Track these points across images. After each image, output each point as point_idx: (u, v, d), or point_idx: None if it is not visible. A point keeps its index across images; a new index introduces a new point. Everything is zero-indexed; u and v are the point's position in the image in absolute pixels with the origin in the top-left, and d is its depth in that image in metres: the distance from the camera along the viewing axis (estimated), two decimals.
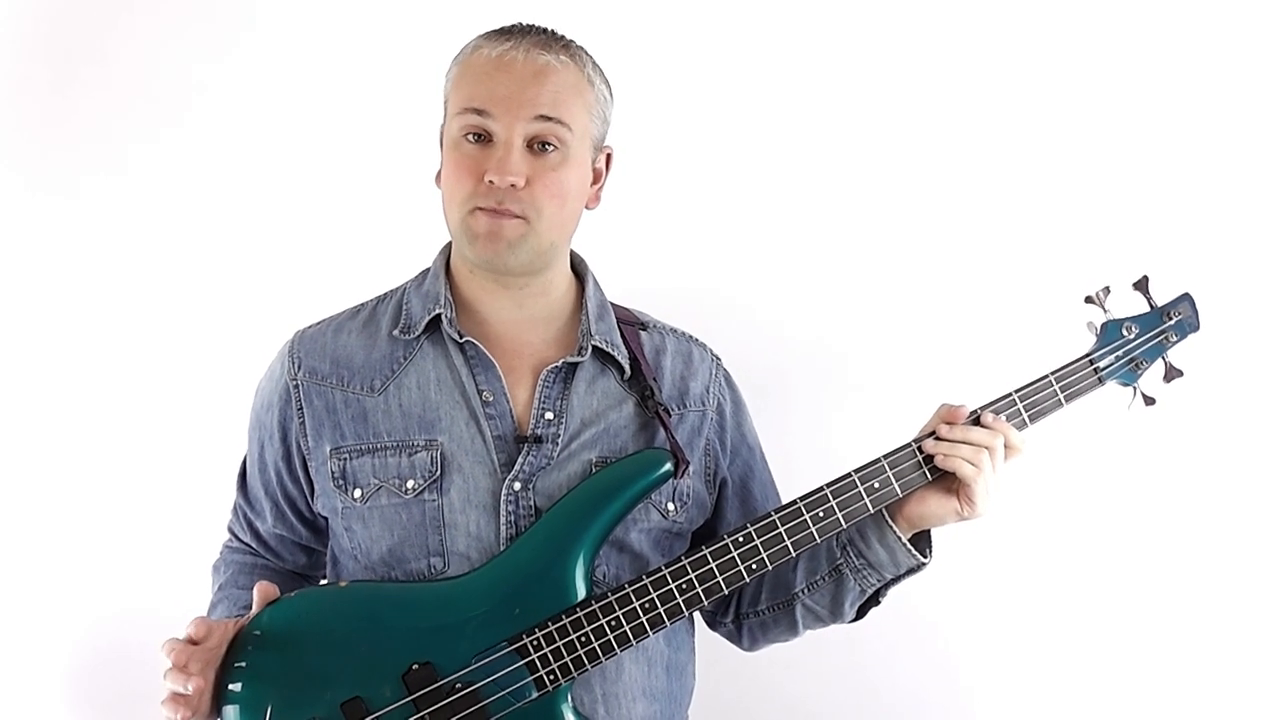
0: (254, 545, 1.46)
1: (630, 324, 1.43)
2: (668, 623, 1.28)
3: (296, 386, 1.35)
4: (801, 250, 1.85)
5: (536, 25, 1.32)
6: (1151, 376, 1.43)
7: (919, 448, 1.32)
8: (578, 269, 1.43)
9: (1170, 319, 1.43)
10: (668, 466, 1.31)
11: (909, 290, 1.84)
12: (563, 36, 1.33)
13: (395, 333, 1.34)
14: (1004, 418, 1.32)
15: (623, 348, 1.38)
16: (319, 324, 1.40)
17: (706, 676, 1.47)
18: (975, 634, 1.82)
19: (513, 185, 1.25)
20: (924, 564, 1.34)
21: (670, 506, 1.37)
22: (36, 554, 1.79)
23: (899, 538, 1.32)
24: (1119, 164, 1.81)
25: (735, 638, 1.50)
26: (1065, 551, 1.83)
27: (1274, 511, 1.81)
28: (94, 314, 1.81)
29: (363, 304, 1.41)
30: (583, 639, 1.26)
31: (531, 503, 1.30)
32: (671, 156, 1.80)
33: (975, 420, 1.31)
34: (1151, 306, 1.43)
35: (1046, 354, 1.39)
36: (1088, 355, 1.39)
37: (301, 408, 1.34)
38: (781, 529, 1.30)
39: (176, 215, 1.81)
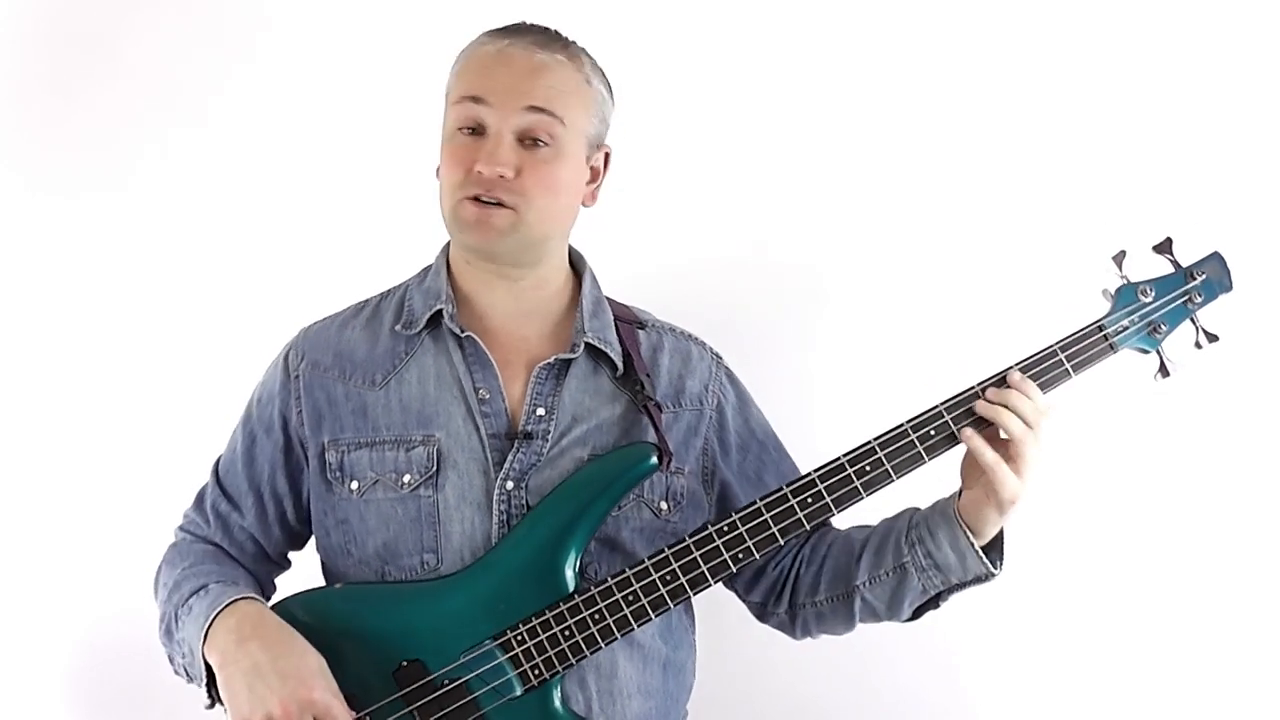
0: (221, 543, 1.41)
1: (628, 322, 1.42)
2: (652, 615, 1.26)
3: (297, 378, 1.38)
4: (805, 221, 1.83)
5: (540, 26, 1.35)
6: (1179, 342, 1.34)
7: (911, 427, 1.28)
8: (576, 265, 1.43)
9: (1195, 279, 1.34)
10: (652, 460, 1.30)
11: (909, 281, 1.81)
12: (564, 37, 1.35)
13: (397, 328, 1.37)
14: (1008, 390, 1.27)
15: (616, 345, 1.38)
16: (323, 320, 1.43)
17: (706, 674, 1.45)
18: (977, 634, 1.77)
19: (501, 176, 1.27)
20: (994, 574, 1.29)
21: (663, 505, 1.35)
22: (36, 554, 1.82)
23: (971, 543, 1.27)
24: (1119, 138, 1.76)
25: (788, 628, 1.46)
26: (1066, 551, 1.77)
27: (1274, 511, 1.74)
28: (96, 315, 1.84)
29: (366, 300, 1.44)
30: (566, 633, 1.25)
31: (524, 501, 1.31)
32: (667, 150, 1.80)
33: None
34: (1176, 267, 1.34)
35: (1058, 331, 1.33)
36: (1097, 321, 1.32)
37: (300, 398, 1.37)
38: (767, 515, 1.28)
39: (179, 215, 1.84)
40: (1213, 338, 1.35)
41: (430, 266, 1.42)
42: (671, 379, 1.40)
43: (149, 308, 1.85)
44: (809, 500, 1.27)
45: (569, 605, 1.26)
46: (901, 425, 1.28)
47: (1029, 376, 1.28)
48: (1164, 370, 1.33)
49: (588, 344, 1.36)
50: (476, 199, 1.28)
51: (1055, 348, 1.30)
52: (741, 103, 1.82)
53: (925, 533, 1.30)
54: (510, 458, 1.31)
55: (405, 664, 1.26)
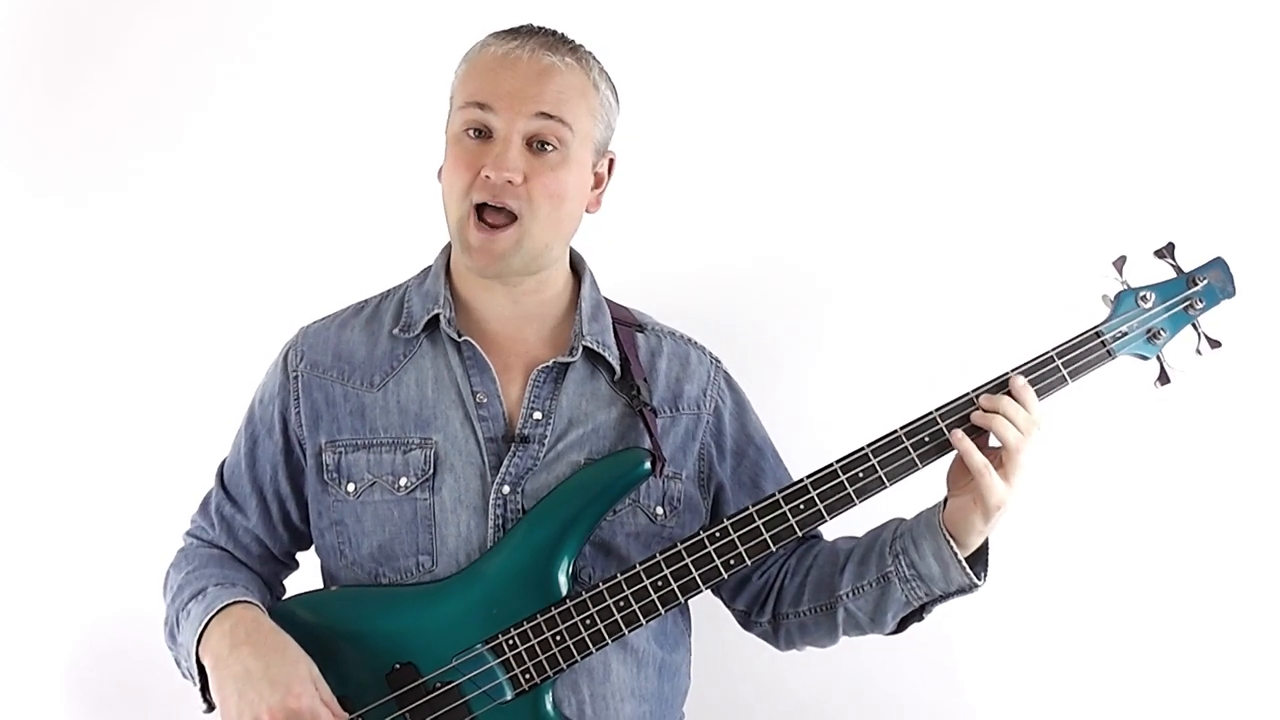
0: (227, 545, 1.42)
1: (627, 325, 1.42)
2: (643, 620, 1.26)
3: (297, 378, 1.38)
4: (806, 226, 1.82)
5: (546, 27, 1.34)
6: (1179, 349, 1.33)
7: (905, 434, 1.27)
8: (575, 267, 1.43)
9: (1196, 285, 1.32)
10: (645, 466, 1.29)
11: (907, 287, 1.80)
12: (571, 40, 1.34)
13: (395, 331, 1.37)
14: (1004, 397, 1.26)
15: (614, 348, 1.37)
16: (323, 320, 1.43)
17: (702, 676, 1.45)
18: (976, 634, 1.76)
19: (509, 181, 1.26)
20: (976, 586, 1.28)
21: (659, 510, 1.35)
22: (35, 554, 1.82)
23: (955, 553, 1.26)
24: (1119, 143, 1.75)
25: (771, 638, 1.45)
26: (1065, 554, 1.77)
27: (1275, 518, 1.73)
28: (96, 315, 1.84)
29: (366, 301, 1.44)
30: (557, 637, 1.25)
31: (520, 505, 1.30)
32: (668, 154, 1.80)
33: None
34: (1178, 272, 1.33)
35: (1056, 338, 1.32)
36: (1095, 327, 1.30)
37: (299, 398, 1.37)
38: (760, 522, 1.27)
39: (179, 215, 1.84)
40: (1215, 344, 1.33)
41: (430, 268, 1.42)
42: (670, 383, 1.40)
43: (149, 308, 1.86)
44: (801, 506, 1.27)
45: (561, 610, 1.26)
46: (895, 431, 1.27)
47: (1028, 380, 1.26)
48: (1164, 377, 1.32)
49: (586, 347, 1.35)
50: (483, 213, 1.28)
51: (1052, 354, 1.29)
52: (743, 108, 1.82)
53: (909, 543, 1.29)
54: (507, 461, 1.31)
55: (398, 666, 1.26)
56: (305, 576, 1.43)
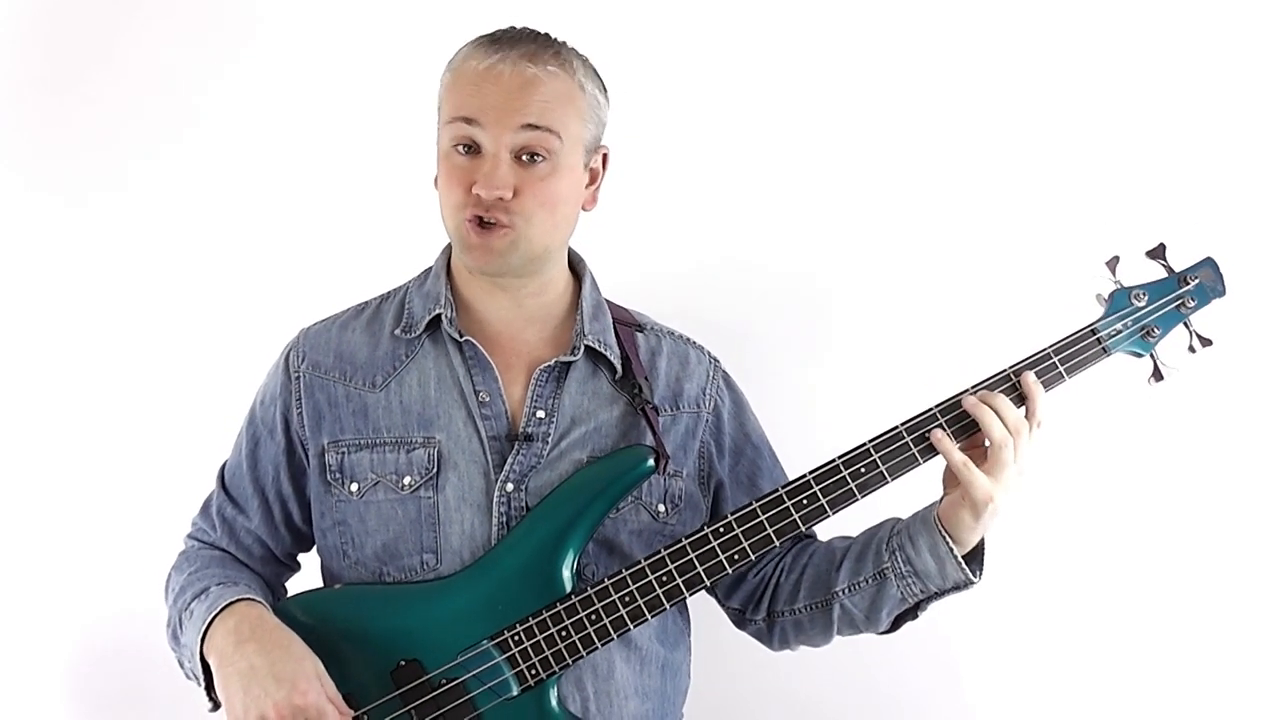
0: (229, 547, 1.42)
1: (627, 324, 1.43)
2: (648, 615, 1.27)
3: (299, 379, 1.38)
4: (801, 225, 1.83)
5: (528, 31, 1.33)
6: (1172, 346, 1.35)
7: (906, 430, 1.28)
8: (576, 268, 1.44)
9: (1188, 284, 1.34)
10: (649, 463, 1.31)
11: (905, 286, 1.81)
12: (554, 42, 1.32)
13: (397, 331, 1.37)
14: (1000, 394, 1.27)
15: (615, 348, 1.38)
16: (324, 321, 1.43)
17: (702, 675, 1.45)
18: (977, 634, 1.77)
19: (500, 198, 1.27)
20: (972, 583, 1.29)
21: (661, 508, 1.36)
22: (35, 554, 1.82)
23: (951, 550, 1.27)
24: (1112, 146, 1.77)
25: (765, 636, 1.45)
26: (1064, 552, 1.77)
27: (1270, 512, 1.75)
28: (96, 315, 1.84)
29: (367, 301, 1.44)
30: (562, 633, 1.26)
31: (524, 503, 1.31)
32: (669, 155, 1.81)
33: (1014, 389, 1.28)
34: (1169, 272, 1.35)
35: (1051, 336, 1.33)
36: (1090, 325, 1.33)
37: (301, 398, 1.37)
38: (763, 517, 1.28)
39: (180, 215, 1.84)
40: (1206, 342, 1.35)
41: (430, 269, 1.42)
42: (669, 382, 1.41)
43: (149, 308, 1.86)
44: (804, 501, 1.28)
45: (566, 606, 1.26)
46: (896, 428, 1.29)
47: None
48: (1157, 374, 1.34)
49: (587, 347, 1.36)
50: (479, 220, 1.28)
51: (1049, 351, 1.31)
52: (741, 109, 1.83)
53: (906, 539, 1.30)
54: (510, 460, 1.32)
55: (403, 663, 1.27)
56: (307, 579, 1.43)
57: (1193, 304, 1.34)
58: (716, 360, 1.47)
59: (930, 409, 1.29)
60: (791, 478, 1.30)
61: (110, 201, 1.86)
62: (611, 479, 1.31)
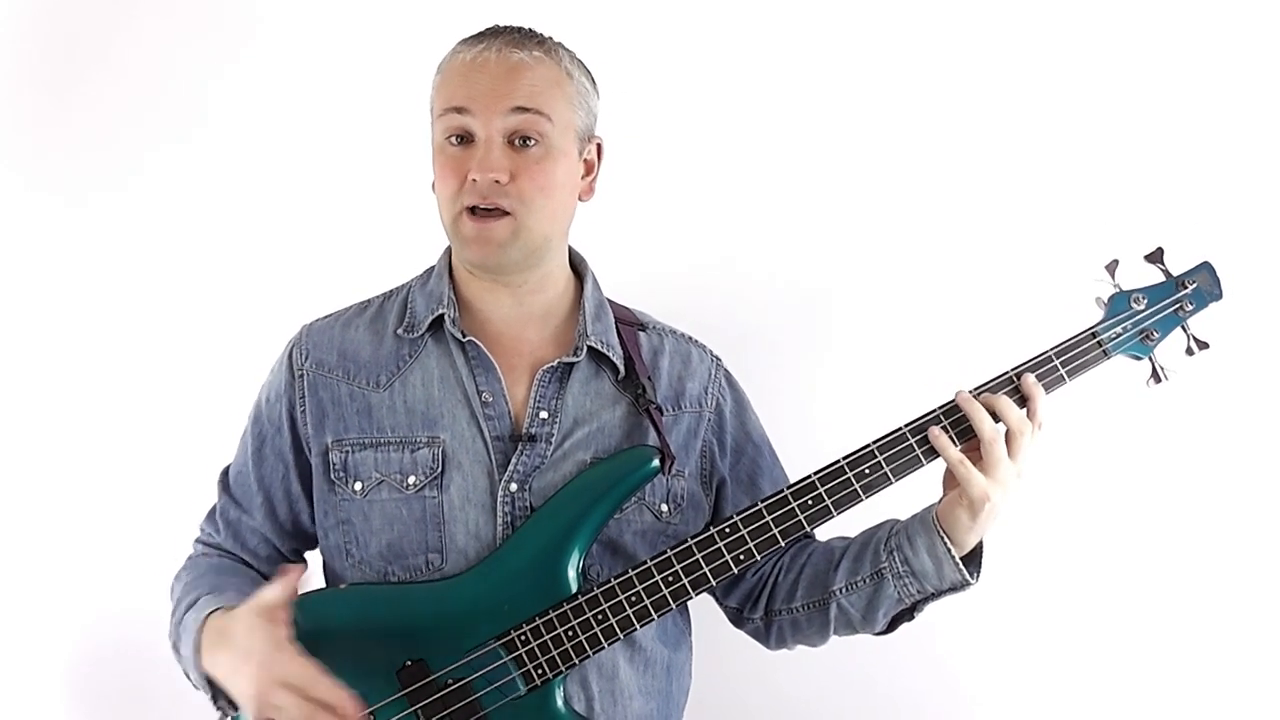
0: (234, 549, 1.42)
1: (629, 324, 1.43)
2: (654, 615, 1.28)
3: (302, 376, 1.38)
4: (802, 225, 1.84)
5: (513, 26, 1.34)
6: (1170, 349, 1.37)
7: (910, 431, 1.29)
8: (577, 268, 1.44)
9: (1185, 288, 1.36)
10: (654, 463, 1.31)
11: (907, 284, 1.82)
12: (539, 34, 1.34)
13: (400, 331, 1.37)
14: (1003, 395, 1.29)
15: (618, 348, 1.39)
16: (326, 318, 1.43)
17: (703, 676, 1.46)
18: (976, 635, 1.77)
19: (496, 181, 1.27)
20: (969, 584, 1.30)
21: (664, 508, 1.37)
22: (35, 553, 1.82)
23: (948, 549, 1.28)
24: (1111, 150, 1.78)
25: (762, 635, 1.46)
26: (1064, 553, 1.78)
27: (1267, 514, 1.76)
28: (96, 315, 1.84)
29: (370, 300, 1.44)
30: (569, 633, 1.26)
31: (528, 503, 1.32)
32: (670, 154, 1.82)
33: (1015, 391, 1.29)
34: (1167, 276, 1.37)
35: (1052, 338, 1.35)
36: (1091, 328, 1.34)
37: (304, 396, 1.37)
38: (769, 517, 1.29)
39: (180, 215, 1.85)
40: (1203, 345, 1.37)
41: (433, 268, 1.43)
42: (672, 381, 1.42)
43: (149, 308, 1.85)
44: (810, 503, 1.29)
45: (572, 605, 1.27)
46: (900, 429, 1.30)
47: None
48: (1156, 376, 1.36)
49: (590, 347, 1.37)
50: (475, 211, 1.29)
51: (1050, 353, 1.32)
52: (741, 108, 1.84)
53: (904, 539, 1.31)
54: (514, 460, 1.32)
55: (409, 663, 1.26)
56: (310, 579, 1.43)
57: (1190, 308, 1.36)
58: (718, 359, 1.48)
59: (933, 410, 1.30)
60: (795, 478, 1.31)
61: (110, 201, 1.85)
62: (617, 479, 1.31)
